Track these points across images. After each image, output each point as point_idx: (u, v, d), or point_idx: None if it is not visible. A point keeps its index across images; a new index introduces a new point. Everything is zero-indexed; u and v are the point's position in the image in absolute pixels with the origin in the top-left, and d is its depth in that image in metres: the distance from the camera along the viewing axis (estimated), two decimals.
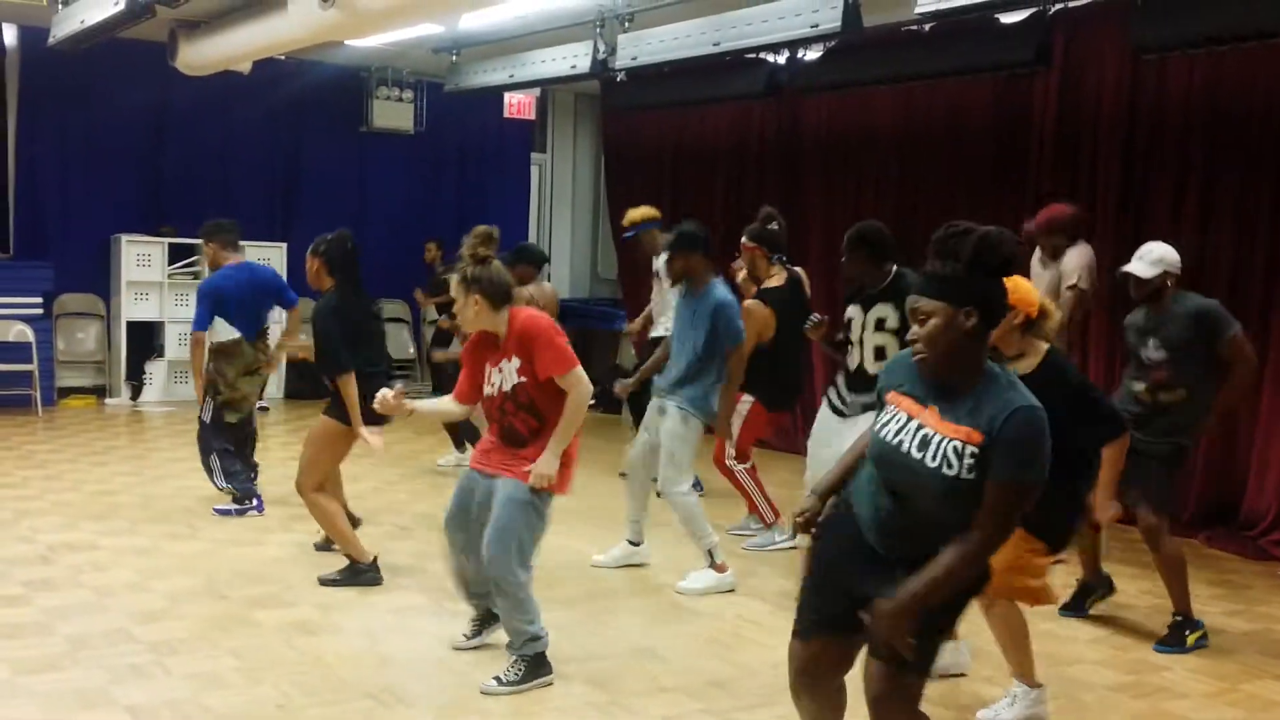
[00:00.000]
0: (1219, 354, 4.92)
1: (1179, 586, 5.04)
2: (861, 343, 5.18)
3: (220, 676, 4.24)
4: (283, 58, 9.98)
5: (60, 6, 8.48)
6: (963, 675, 4.50)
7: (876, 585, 2.83)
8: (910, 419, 2.84)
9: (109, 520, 6.48)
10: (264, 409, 9.75)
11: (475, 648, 4.60)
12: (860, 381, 5.17)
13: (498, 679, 4.22)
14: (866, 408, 4.99)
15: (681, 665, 4.56)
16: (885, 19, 7.26)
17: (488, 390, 4.30)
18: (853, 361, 5.25)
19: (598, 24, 8.34)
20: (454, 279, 4.26)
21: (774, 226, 6.46)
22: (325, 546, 5.96)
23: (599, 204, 13.39)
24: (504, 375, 4.23)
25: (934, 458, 2.75)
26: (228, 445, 6.82)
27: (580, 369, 4.22)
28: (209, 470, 6.83)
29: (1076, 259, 6.24)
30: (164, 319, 10.93)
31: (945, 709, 4.15)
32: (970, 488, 2.72)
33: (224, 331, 6.82)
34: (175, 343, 10.95)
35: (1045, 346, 3.98)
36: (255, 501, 6.81)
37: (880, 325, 5.11)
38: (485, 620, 4.62)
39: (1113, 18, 7.04)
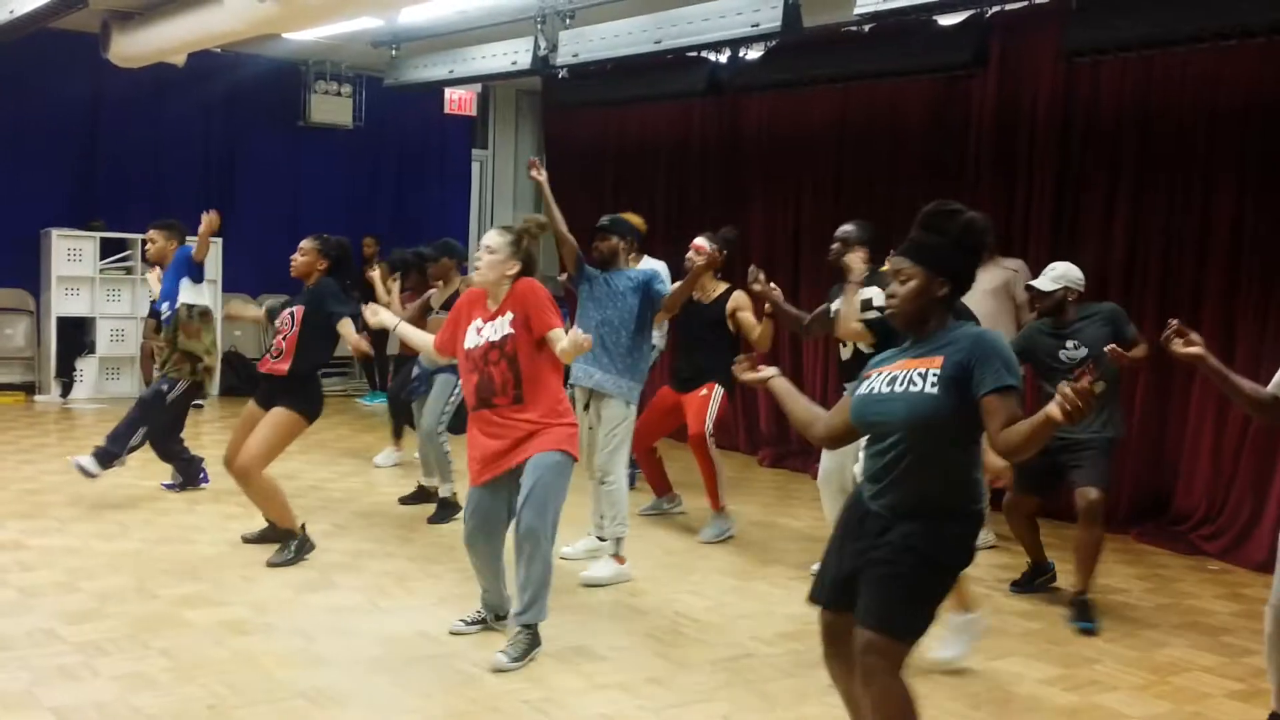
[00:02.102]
0: (1128, 345, 5.35)
1: (1092, 566, 5.37)
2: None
3: (150, 677, 4.17)
4: (218, 50, 9.82)
5: None
6: None
7: (857, 558, 3.11)
8: (879, 373, 3.17)
9: (37, 519, 6.34)
10: (199, 405, 9.61)
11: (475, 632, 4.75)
12: (854, 369, 5.43)
13: (505, 654, 4.42)
14: None
15: (619, 662, 4.55)
16: (825, 19, 7.30)
17: (475, 341, 4.50)
18: (845, 352, 5.51)
19: (539, 20, 8.30)
20: (506, 236, 4.56)
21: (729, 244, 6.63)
22: (257, 539, 5.98)
23: (540, 201, 13.34)
24: (495, 327, 4.47)
25: (900, 385, 3.06)
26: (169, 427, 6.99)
27: (559, 330, 4.46)
28: (129, 444, 6.76)
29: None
30: (95, 315, 10.75)
31: None
32: (933, 403, 2.98)
33: (198, 297, 7.00)
34: (106, 339, 10.77)
35: None
36: (203, 475, 7.13)
37: (866, 307, 5.36)
38: (486, 621, 4.81)
39: (1048, 21, 7.14)
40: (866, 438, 3.25)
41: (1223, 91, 6.72)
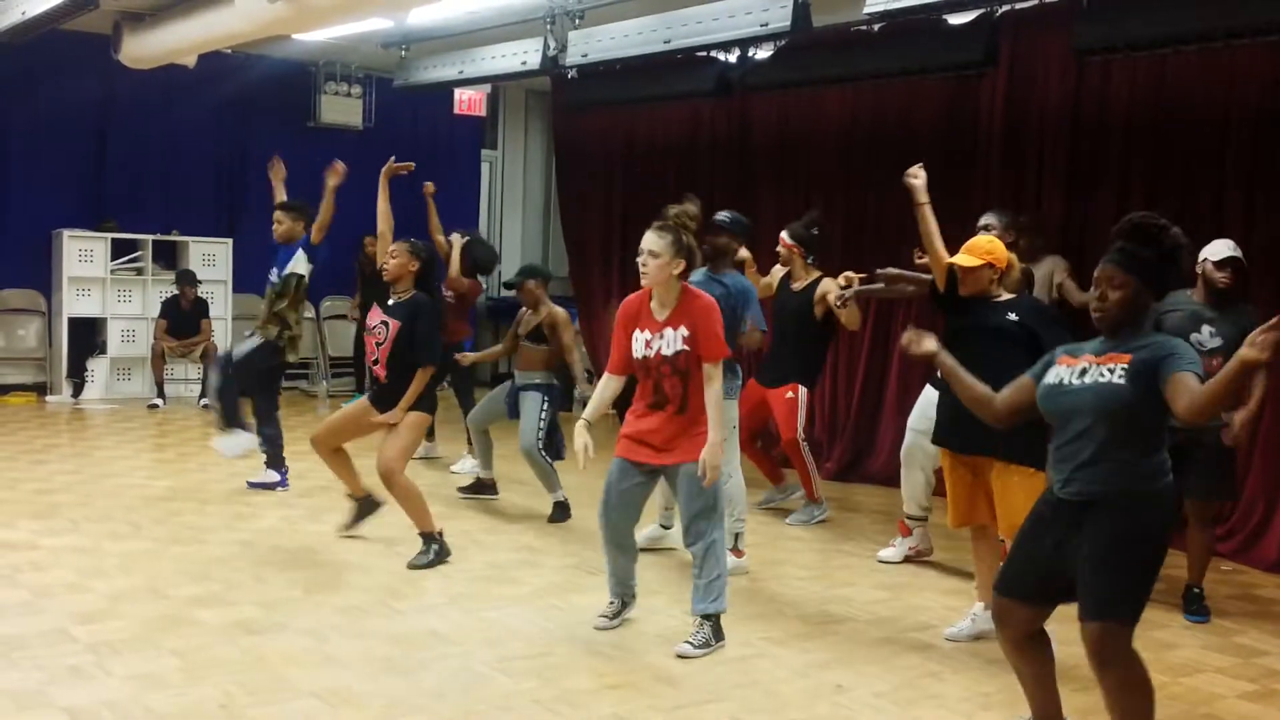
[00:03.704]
0: None
1: (1204, 563, 5.56)
2: None
3: (162, 676, 4.18)
4: (229, 51, 9.85)
5: None
6: None
7: (1053, 552, 3.46)
8: (1069, 366, 3.43)
9: (48, 519, 6.36)
10: (206, 405, 9.64)
11: (615, 626, 4.89)
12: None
13: (690, 644, 4.60)
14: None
15: (629, 662, 4.55)
16: (835, 19, 7.30)
17: (644, 353, 4.58)
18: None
19: (548, 20, 8.30)
20: (666, 236, 4.52)
21: (815, 231, 6.88)
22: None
23: (550, 201, 13.35)
24: (665, 341, 4.55)
25: (1089, 378, 3.35)
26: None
27: (714, 369, 4.50)
28: (228, 410, 6.94)
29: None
30: (106, 315, 10.78)
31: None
32: (1121, 392, 3.27)
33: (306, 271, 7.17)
34: (118, 339, 10.80)
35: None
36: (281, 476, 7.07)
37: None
38: (623, 609, 4.98)
39: (1058, 19, 7.12)
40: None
41: (1234, 90, 6.70)
